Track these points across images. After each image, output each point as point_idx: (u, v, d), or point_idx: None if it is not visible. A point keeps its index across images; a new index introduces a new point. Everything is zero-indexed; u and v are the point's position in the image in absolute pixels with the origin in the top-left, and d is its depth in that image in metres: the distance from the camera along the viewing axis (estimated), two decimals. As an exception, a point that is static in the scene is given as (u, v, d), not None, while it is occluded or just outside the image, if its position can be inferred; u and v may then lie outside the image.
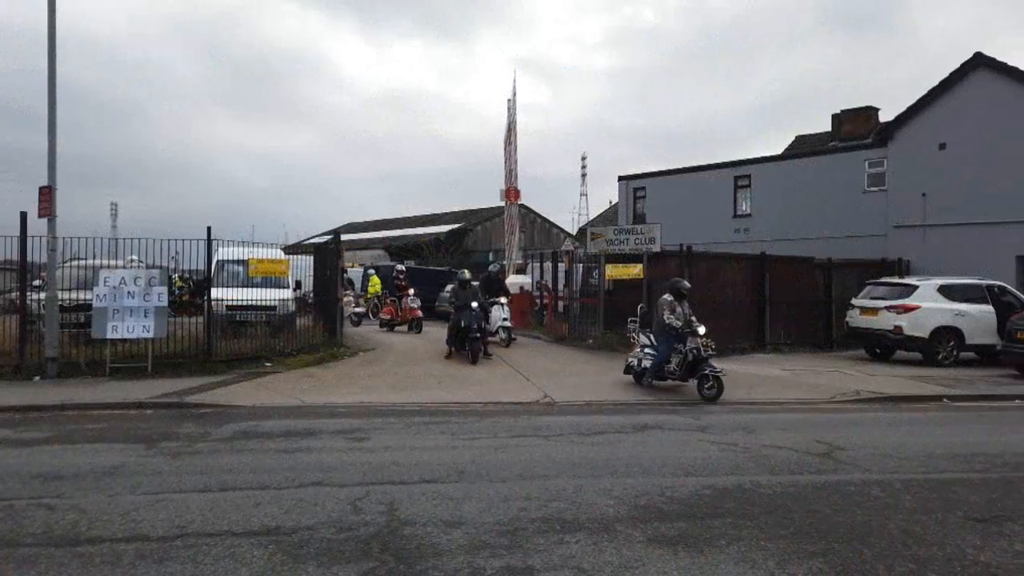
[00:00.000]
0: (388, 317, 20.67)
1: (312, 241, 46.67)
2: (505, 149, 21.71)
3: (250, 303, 13.90)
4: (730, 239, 26.54)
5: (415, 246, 44.05)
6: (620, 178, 32.46)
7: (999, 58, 21.31)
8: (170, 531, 4.83)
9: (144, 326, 12.07)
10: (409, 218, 57.89)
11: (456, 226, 47.20)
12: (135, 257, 13.33)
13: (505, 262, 23.49)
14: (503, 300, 16.91)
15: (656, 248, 16.85)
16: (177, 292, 18.80)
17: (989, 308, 16.21)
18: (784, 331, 18.72)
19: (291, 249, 30.68)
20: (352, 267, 29.90)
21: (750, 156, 28.99)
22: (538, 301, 21.50)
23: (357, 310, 22.16)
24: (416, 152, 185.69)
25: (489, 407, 10.30)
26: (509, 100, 21.57)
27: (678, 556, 4.48)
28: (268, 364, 13.11)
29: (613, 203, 41.88)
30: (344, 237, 27.32)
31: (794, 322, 18.93)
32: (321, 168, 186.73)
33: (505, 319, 16.65)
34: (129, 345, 12.51)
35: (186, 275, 19.61)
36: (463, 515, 5.20)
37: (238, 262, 14.55)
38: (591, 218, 55.45)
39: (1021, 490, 6.25)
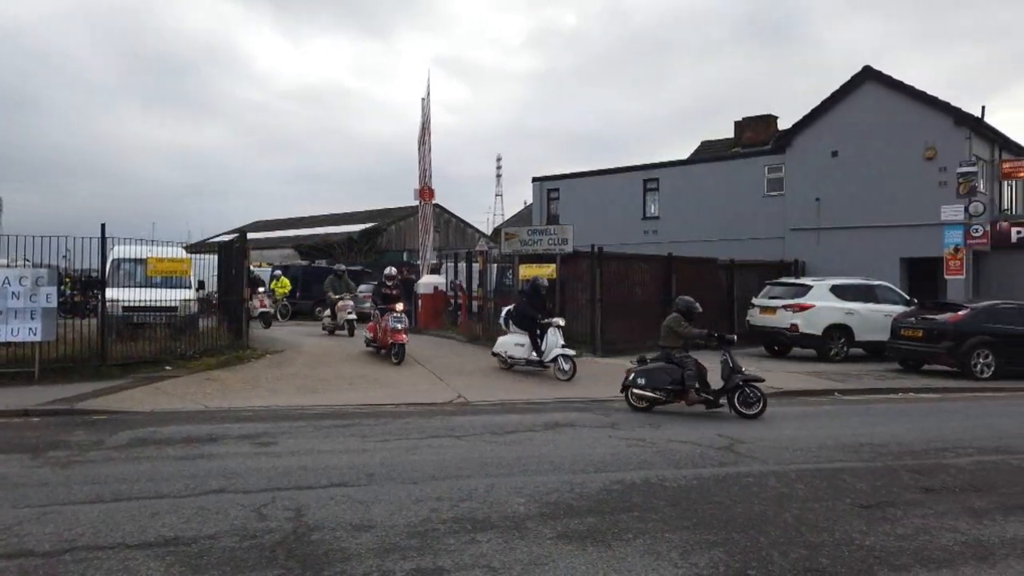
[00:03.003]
0: (371, 336, 14.84)
1: (217, 240, 44.98)
2: (419, 148, 21.51)
3: (149, 304, 13.26)
4: (640, 240, 27.23)
5: (326, 245, 43.13)
6: (534, 179, 32.80)
7: (887, 72, 22.79)
8: (58, 545, 4.55)
9: (30, 328, 11.31)
10: (320, 216, 56.60)
11: (369, 225, 46.50)
12: (27, 259, 12.47)
13: (419, 262, 23.30)
14: (559, 321, 13.53)
15: (569, 249, 17.12)
16: (68, 293, 17.72)
17: (877, 306, 17.28)
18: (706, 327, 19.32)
19: (195, 248, 29.48)
20: (260, 266, 28.96)
21: (659, 160, 29.88)
22: (452, 301, 21.45)
23: (263, 311, 20.65)
24: (331, 150, 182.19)
25: (401, 408, 10.20)
26: (423, 99, 21.38)
27: (586, 551, 4.57)
28: (168, 368, 12.53)
29: (528, 204, 42.28)
30: (252, 236, 26.45)
31: (701, 321, 19.57)
32: (232, 164, 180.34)
33: (564, 345, 13.17)
34: (14, 349, 11.71)
35: (75, 273, 18.50)
36: (373, 518, 5.13)
37: (136, 261, 13.90)
38: (506, 218, 55.85)
39: (903, 477, 6.70)
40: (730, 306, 20.20)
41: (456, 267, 22.27)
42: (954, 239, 19.42)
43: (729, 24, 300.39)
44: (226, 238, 29.27)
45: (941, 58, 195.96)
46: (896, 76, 22.69)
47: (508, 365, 13.74)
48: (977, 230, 19.81)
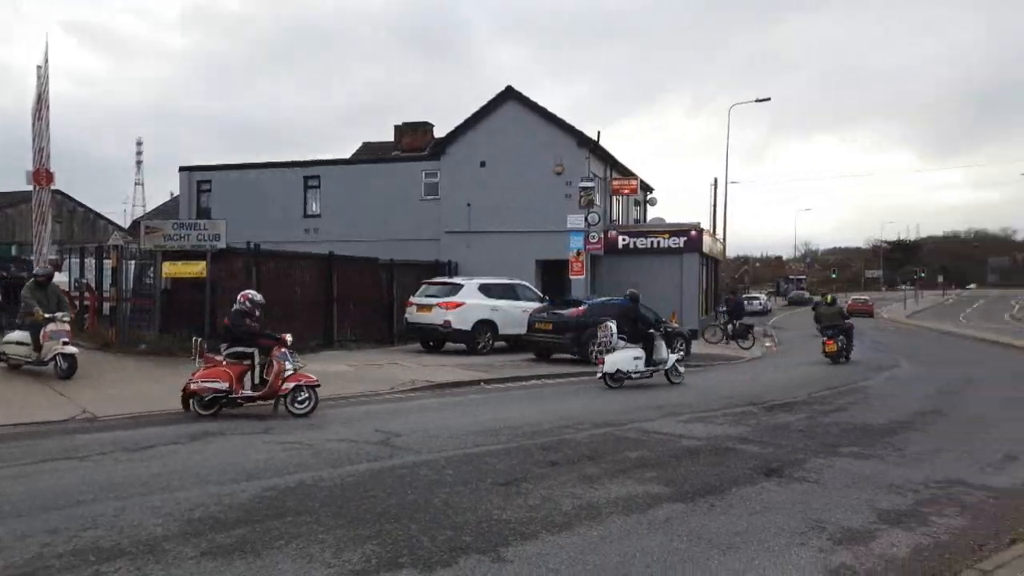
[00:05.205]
0: (217, 383, 9.43)
1: None
2: (34, 124, 18.19)
3: None
4: (301, 238, 26.62)
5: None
6: (182, 169, 30.12)
7: (526, 94, 25.52)
8: None
9: None
10: None
11: (-37, 211, 38.26)
12: None
13: (33, 257, 19.77)
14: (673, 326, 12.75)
15: (221, 245, 16.01)
16: None
17: (517, 303, 19.21)
18: (351, 328, 19.51)
19: None
20: None
21: (322, 158, 29.53)
22: (77, 303, 18.62)
23: None
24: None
25: (8, 430, 8.57)
26: (40, 67, 18.10)
27: (233, 565, 4.33)
28: None
29: (175, 196, 38.54)
30: None
31: (360, 319, 19.86)
32: None
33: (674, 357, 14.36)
34: None
35: None
36: (-40, 566, 4.24)
37: None
38: (148, 211, 50.23)
39: (534, 454, 7.55)
40: (390, 304, 20.79)
41: (83, 263, 19.38)
42: (576, 244, 22.46)
43: (396, 31, 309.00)
44: None
45: (572, 86, 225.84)
46: (534, 98, 25.63)
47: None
48: (594, 237, 23.21)
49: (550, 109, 25.50)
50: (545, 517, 5.38)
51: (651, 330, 14.09)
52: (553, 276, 24.88)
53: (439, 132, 30.20)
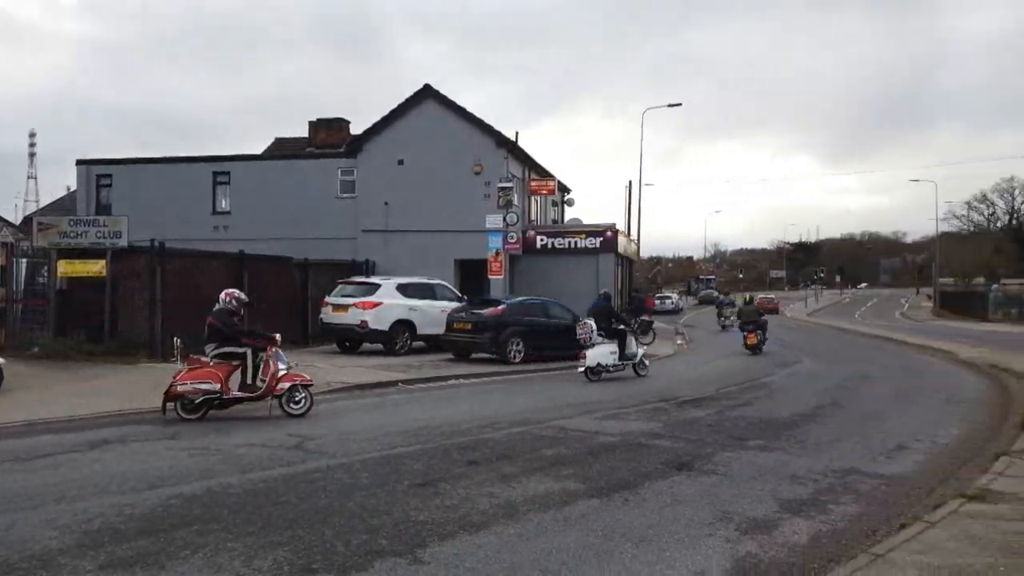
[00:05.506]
0: (208, 384, 9.20)
1: None
2: (-90, 110, 16.87)
3: None
4: (210, 236, 25.61)
5: None
6: (79, 162, 28.46)
7: (444, 92, 25.42)
8: None
9: None
10: None
11: None
12: None
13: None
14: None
15: (123, 243, 15.31)
16: None
17: (436, 303, 19.09)
18: (264, 330, 18.74)
19: None
20: None
21: (232, 152, 28.51)
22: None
23: None
24: None
25: None
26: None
27: (135, 578, 4.13)
28: None
29: (72, 190, 36.41)
30: None
31: (273, 320, 19.21)
32: None
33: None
34: None
35: None
36: None
37: None
38: (42, 206, 47.34)
39: (452, 454, 7.53)
40: (305, 305, 20.28)
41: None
42: (495, 244, 22.55)
43: (310, 24, 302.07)
44: None
45: (492, 87, 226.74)
46: (453, 97, 25.51)
47: None
48: (513, 237, 23.36)
49: (469, 109, 25.51)
50: (463, 517, 5.38)
51: (623, 327, 15.16)
52: (472, 276, 24.88)
53: (356, 129, 29.70)
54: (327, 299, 18.70)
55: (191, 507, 5.50)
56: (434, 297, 19.29)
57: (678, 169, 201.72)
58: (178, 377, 9.23)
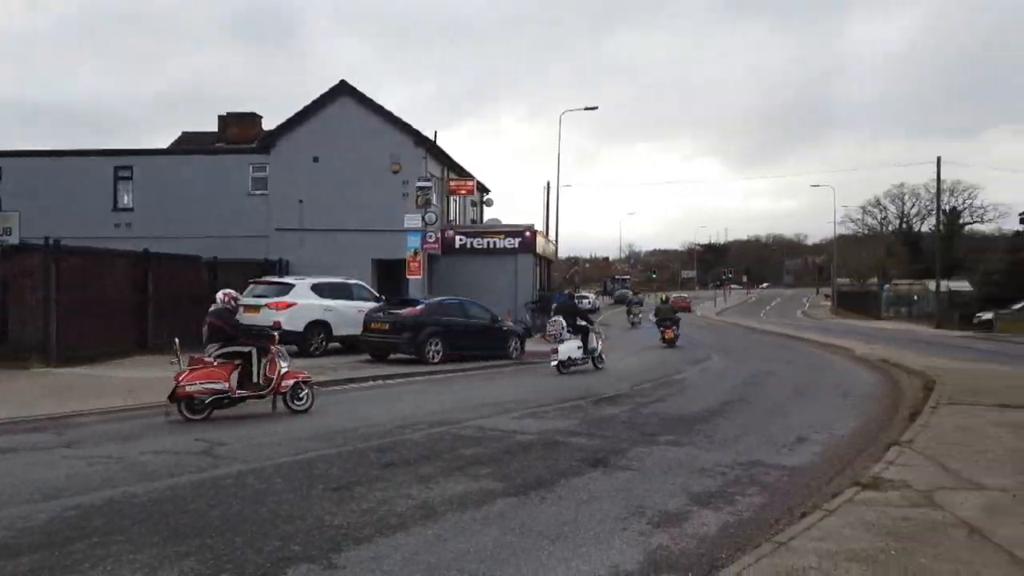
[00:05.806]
0: (217, 383, 9.18)
1: None
2: None
3: None
4: (111, 234, 24.34)
5: None
6: (-36, 153, 26.53)
7: (361, 89, 25.01)
8: None
9: None
10: None
11: None
12: None
13: None
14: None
15: (13, 240, 14.40)
16: None
17: (352, 303, 18.78)
18: (170, 330, 18.08)
19: None
20: None
21: (135, 147, 27.22)
22: None
23: None
24: None
25: None
26: None
27: (28, 596, 3.90)
28: None
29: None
30: None
31: (180, 321, 18.46)
32: None
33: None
34: None
35: None
36: None
37: None
38: (-80, 199, 43.69)
39: (369, 457, 7.43)
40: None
41: None
42: (414, 244, 22.36)
43: (221, 16, 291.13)
44: None
45: (413, 86, 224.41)
46: (372, 95, 25.14)
47: None
48: (431, 236, 23.22)
49: (388, 107, 25.21)
50: (379, 520, 5.32)
51: (586, 324, 16.68)
52: (390, 276, 24.59)
53: (269, 125, 28.88)
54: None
55: (91, 518, 5.22)
56: (351, 297, 18.97)
57: (596, 171, 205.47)
58: (182, 378, 9.11)
